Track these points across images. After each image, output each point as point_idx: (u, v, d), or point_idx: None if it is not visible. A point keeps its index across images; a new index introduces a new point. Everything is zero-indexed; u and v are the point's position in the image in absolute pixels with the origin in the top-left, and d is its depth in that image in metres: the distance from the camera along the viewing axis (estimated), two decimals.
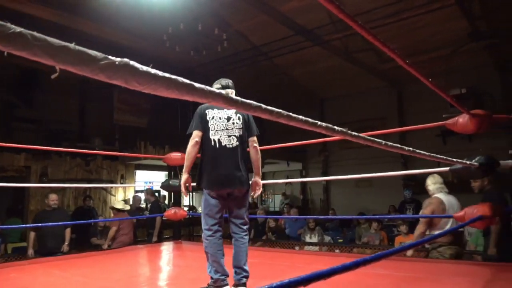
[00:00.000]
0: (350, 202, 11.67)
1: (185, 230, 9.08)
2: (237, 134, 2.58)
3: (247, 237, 2.57)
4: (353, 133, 1.18)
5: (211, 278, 2.44)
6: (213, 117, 2.58)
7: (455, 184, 5.69)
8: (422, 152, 2.21)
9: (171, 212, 5.00)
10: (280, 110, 0.87)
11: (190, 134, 2.59)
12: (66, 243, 5.40)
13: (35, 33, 0.47)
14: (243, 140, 2.60)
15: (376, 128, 7.44)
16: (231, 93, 2.69)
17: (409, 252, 4.00)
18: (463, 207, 2.99)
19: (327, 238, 7.48)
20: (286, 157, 12.71)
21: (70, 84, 9.74)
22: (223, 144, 2.54)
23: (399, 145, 1.74)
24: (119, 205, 6.54)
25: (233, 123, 2.59)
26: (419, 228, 3.85)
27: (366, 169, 5.28)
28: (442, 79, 8.58)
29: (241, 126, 2.61)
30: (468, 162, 2.84)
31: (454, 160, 2.58)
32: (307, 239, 7.08)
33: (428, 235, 3.80)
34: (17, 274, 3.15)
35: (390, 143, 1.51)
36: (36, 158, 8.42)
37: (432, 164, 4.34)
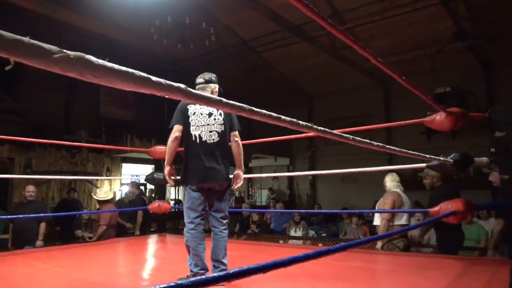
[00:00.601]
0: (336, 197, 11.81)
1: (170, 223, 9.09)
2: (218, 129, 2.59)
3: (226, 231, 2.59)
4: (319, 128, 1.22)
5: (191, 271, 2.47)
6: (194, 113, 2.59)
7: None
8: (392, 147, 2.27)
9: (155, 205, 5.01)
10: (241, 104, 0.90)
11: (172, 128, 2.60)
12: (40, 238, 5.21)
13: None
14: (224, 135, 2.61)
15: (363, 125, 7.51)
16: (214, 87, 2.72)
17: (379, 244, 4.19)
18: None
19: (311, 233, 7.57)
20: (273, 152, 12.79)
21: (56, 77, 9.60)
22: (203, 139, 2.55)
23: (368, 141, 1.79)
24: (102, 195, 6.02)
25: (215, 119, 2.59)
26: (385, 218, 4.17)
27: (352, 165, 5.34)
28: (428, 78, 8.71)
29: (223, 121, 2.61)
30: (443, 159, 2.92)
31: (428, 156, 2.66)
32: (292, 233, 7.16)
33: (391, 226, 4.15)
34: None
35: (358, 138, 1.55)
36: (20, 150, 8.33)
37: (417, 161, 4.47)
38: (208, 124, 2.58)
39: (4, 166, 8.06)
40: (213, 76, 2.75)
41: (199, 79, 2.71)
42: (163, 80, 0.73)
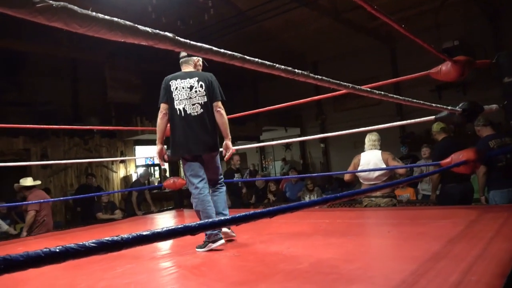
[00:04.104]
0: (349, 163, 11.79)
1: (187, 201, 9.28)
2: (200, 101, 2.69)
3: (223, 188, 2.83)
4: (316, 76, 1.22)
5: (205, 234, 2.54)
6: (176, 88, 2.70)
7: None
8: (402, 97, 2.26)
9: (170, 182, 5.09)
10: (232, 53, 0.91)
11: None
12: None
13: None
14: (207, 106, 2.71)
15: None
16: (197, 60, 2.84)
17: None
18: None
19: None
20: (283, 123, 12.76)
21: (59, 65, 9.67)
22: (188, 112, 2.67)
23: (376, 91, 1.78)
24: (28, 182, 5.23)
25: (196, 91, 2.69)
26: (347, 177, 4.61)
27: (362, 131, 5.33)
28: (434, 33, 8.48)
29: (204, 93, 2.70)
30: (451, 108, 2.89)
31: (434, 105, 2.63)
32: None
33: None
34: (23, 248, 3.29)
35: (358, 87, 1.55)
36: (35, 140, 8.50)
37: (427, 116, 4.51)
38: (190, 98, 2.68)
39: (21, 157, 8.24)
40: None
41: (182, 53, 2.79)
42: (150, 29, 0.74)
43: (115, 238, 0.64)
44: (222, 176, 2.86)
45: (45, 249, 0.56)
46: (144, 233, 0.83)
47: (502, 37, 8.96)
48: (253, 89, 14.06)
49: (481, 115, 3.63)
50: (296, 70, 1.13)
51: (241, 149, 5.34)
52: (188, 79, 2.71)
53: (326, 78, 1.28)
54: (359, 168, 4.33)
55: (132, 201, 7.46)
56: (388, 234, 2.50)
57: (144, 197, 7.80)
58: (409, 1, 7.97)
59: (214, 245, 2.51)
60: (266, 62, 1.01)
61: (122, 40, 0.71)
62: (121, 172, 10.19)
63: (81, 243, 0.60)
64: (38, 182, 5.43)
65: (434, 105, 2.60)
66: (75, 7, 0.62)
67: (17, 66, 8.91)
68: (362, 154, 4.44)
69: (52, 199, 5.89)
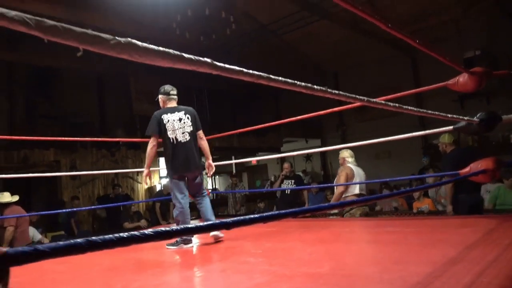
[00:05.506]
0: (370, 173, 11.71)
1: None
2: (188, 130, 3.28)
3: (207, 199, 3.37)
4: (333, 91, 1.35)
5: (180, 237, 3.08)
6: (168, 120, 3.25)
7: None
8: (422, 110, 2.36)
9: None
10: (259, 73, 1.05)
11: (150, 136, 3.30)
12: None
13: (63, 24, 0.67)
14: (194, 134, 3.31)
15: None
16: (177, 97, 3.46)
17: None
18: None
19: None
20: (304, 134, 12.85)
21: (87, 79, 10.12)
22: (179, 140, 3.23)
23: (396, 104, 1.89)
24: (6, 198, 5.11)
25: (184, 122, 3.28)
26: (340, 189, 4.77)
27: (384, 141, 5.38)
28: (455, 42, 8.47)
29: (191, 123, 3.30)
30: (468, 118, 2.95)
31: (449, 116, 2.70)
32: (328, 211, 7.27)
33: (344, 197, 4.73)
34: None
35: (377, 100, 1.66)
36: (64, 152, 8.88)
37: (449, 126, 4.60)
38: (180, 128, 3.26)
39: (52, 168, 8.62)
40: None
41: (174, 91, 3.46)
42: (193, 56, 0.89)
43: (168, 228, 0.78)
44: (204, 190, 3.42)
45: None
46: (189, 226, 0.98)
47: None
48: (274, 99, 14.25)
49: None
50: (315, 86, 1.26)
51: (261, 160, 5.53)
52: (176, 112, 3.30)
53: (343, 93, 1.40)
54: (354, 180, 4.67)
55: (156, 211, 7.67)
56: (407, 241, 2.57)
57: (168, 207, 8.01)
58: (430, 10, 8.00)
59: (185, 246, 3.11)
60: (289, 80, 1.15)
61: (171, 66, 0.86)
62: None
63: (142, 231, 0.74)
64: (16, 198, 5.27)
65: (450, 115, 2.67)
66: (137, 42, 0.78)
67: (49, 80, 9.38)
68: (352, 167, 4.76)
69: (27, 214, 5.44)
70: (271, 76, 1.09)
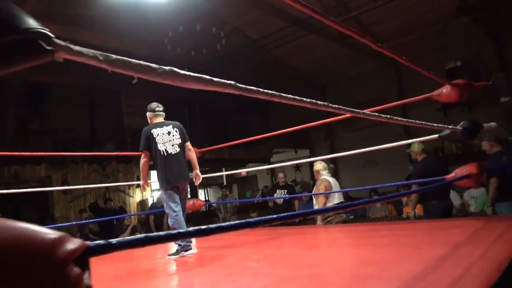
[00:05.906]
0: (358, 182, 11.98)
1: (206, 222, 9.54)
2: (177, 142, 3.52)
3: (184, 205, 3.60)
4: (322, 102, 1.51)
5: (179, 245, 3.25)
6: (158, 134, 3.47)
7: None
8: (408, 120, 2.53)
9: (190, 203, 5.37)
10: (267, 91, 1.21)
11: (141, 152, 3.54)
12: None
13: (124, 58, 0.82)
14: (182, 146, 3.56)
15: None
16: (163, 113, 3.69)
17: (319, 221, 5.01)
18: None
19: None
20: (293, 145, 13.05)
21: (78, 94, 10.17)
22: (169, 152, 3.46)
23: (383, 115, 2.06)
24: None
25: (173, 135, 3.52)
26: (322, 201, 4.93)
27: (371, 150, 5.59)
28: (438, 55, 8.82)
29: (179, 136, 3.55)
30: (452, 127, 3.16)
31: (435, 125, 2.89)
32: (318, 219, 7.42)
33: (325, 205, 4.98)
34: None
35: (366, 111, 1.83)
36: (56, 167, 8.87)
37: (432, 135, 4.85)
38: (169, 141, 3.49)
39: (43, 184, 8.59)
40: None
41: (159, 108, 3.68)
42: (215, 78, 1.05)
43: (201, 227, 0.92)
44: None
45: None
46: (202, 227, 1.11)
47: (506, 57, 9.22)
48: (264, 111, 14.46)
49: (488, 132, 3.95)
50: (303, 98, 1.42)
51: (251, 171, 5.78)
52: (165, 127, 3.54)
53: (331, 105, 1.56)
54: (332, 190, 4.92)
55: (150, 224, 7.72)
56: (400, 243, 2.73)
57: (162, 220, 8.05)
58: (411, 26, 8.34)
59: (186, 253, 3.23)
60: (276, 93, 1.30)
61: (203, 88, 1.01)
62: (137, 196, 10.48)
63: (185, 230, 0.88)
64: None
65: (435, 125, 2.87)
66: (178, 70, 0.93)
67: (40, 96, 9.40)
68: (328, 178, 5.03)
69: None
70: (275, 92, 1.25)
